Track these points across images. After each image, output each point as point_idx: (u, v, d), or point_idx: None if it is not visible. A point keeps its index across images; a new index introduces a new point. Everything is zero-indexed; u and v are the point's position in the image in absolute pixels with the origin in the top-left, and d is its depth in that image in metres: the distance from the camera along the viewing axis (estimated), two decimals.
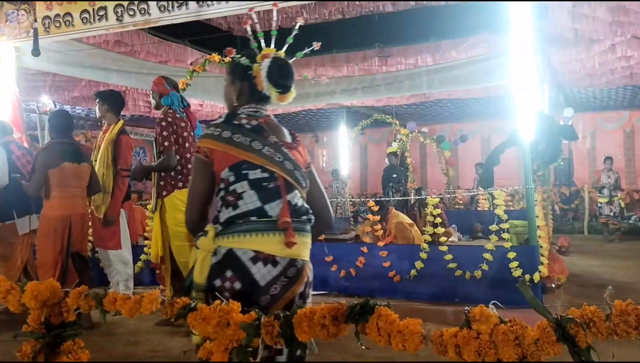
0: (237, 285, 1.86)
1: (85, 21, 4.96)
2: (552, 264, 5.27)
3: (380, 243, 5.30)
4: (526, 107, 4.79)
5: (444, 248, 5.02)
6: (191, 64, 8.43)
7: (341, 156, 13.34)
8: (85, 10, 4.94)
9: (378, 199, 6.18)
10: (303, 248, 1.99)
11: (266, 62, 2.07)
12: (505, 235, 4.84)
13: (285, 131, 2.12)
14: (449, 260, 4.93)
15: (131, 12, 4.75)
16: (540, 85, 6.19)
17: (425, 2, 8.01)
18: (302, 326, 1.45)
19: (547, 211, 6.95)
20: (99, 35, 6.05)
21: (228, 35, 8.72)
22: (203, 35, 8.56)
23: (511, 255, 4.65)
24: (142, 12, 4.69)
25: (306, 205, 2.05)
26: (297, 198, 2.02)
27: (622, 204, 10.72)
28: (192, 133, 4.24)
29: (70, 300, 2.03)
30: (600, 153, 13.58)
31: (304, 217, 2.02)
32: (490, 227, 5.00)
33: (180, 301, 1.77)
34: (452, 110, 13.25)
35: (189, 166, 4.05)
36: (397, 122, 11.25)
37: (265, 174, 1.96)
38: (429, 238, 5.17)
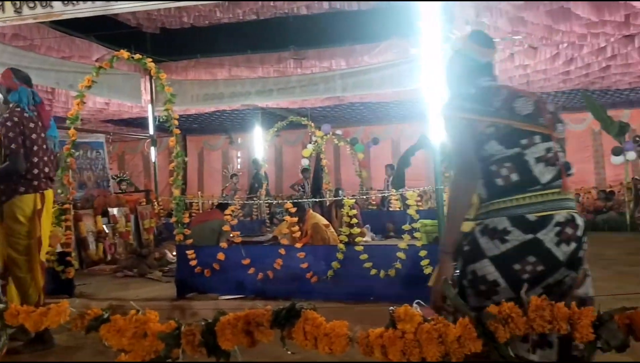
0: None
1: None
2: None
3: (298, 245, 5.31)
4: (435, 112, 4.98)
5: (360, 248, 5.10)
6: (97, 60, 8.03)
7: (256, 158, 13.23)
8: None
9: (296, 200, 6.20)
10: None
11: None
12: (417, 234, 5.00)
13: None
14: (364, 260, 5.03)
15: (31, 5, 4.42)
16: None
17: (338, 5, 8.15)
18: (226, 334, 1.41)
19: None
20: None
21: (137, 32, 8.40)
22: (110, 31, 8.19)
23: (422, 253, 4.82)
24: (44, 5, 4.39)
25: None
26: None
27: None
28: (43, 134, 3.75)
29: None
30: None
31: None
32: (403, 227, 5.16)
33: (92, 312, 1.66)
34: (365, 113, 13.59)
35: (35, 170, 3.63)
36: (312, 124, 11.35)
37: None
38: (345, 239, 5.24)
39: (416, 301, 1.22)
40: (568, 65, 8.42)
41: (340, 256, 5.10)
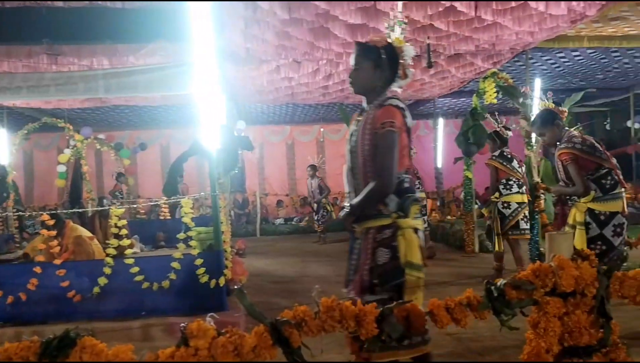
0: None
1: None
2: (234, 266, 5.59)
3: (58, 261, 4.75)
4: (207, 118, 4.97)
5: (130, 261, 4.80)
6: None
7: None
8: None
9: (53, 212, 5.53)
10: None
11: None
12: (192, 243, 4.90)
13: None
14: (135, 273, 4.74)
15: None
16: (219, 97, 6.52)
17: (100, 2, 7.57)
18: None
19: (227, 216, 7.37)
20: None
21: None
22: None
23: (198, 261, 4.75)
24: None
25: None
26: None
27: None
28: None
29: None
30: (268, 163, 15.16)
31: None
32: (177, 236, 5.00)
33: None
34: (130, 117, 12.91)
35: None
36: (71, 127, 10.31)
37: None
38: (113, 251, 4.87)
39: (209, 314, 1.17)
40: (327, 80, 9.19)
41: (107, 270, 4.73)
